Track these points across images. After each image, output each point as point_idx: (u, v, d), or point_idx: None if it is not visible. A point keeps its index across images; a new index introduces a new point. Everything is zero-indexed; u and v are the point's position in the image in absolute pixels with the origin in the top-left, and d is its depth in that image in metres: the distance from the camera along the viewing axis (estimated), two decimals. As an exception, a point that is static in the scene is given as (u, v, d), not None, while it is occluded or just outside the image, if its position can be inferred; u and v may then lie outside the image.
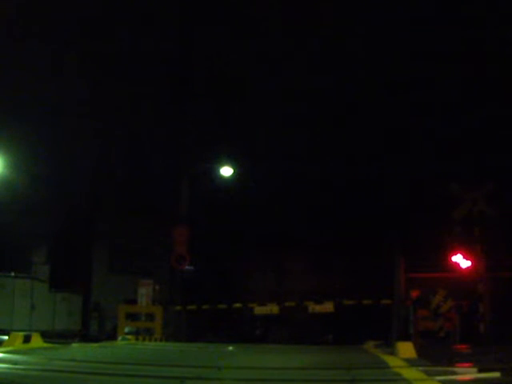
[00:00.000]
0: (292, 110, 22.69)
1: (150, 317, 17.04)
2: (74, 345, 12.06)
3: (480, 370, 6.80)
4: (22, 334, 9.95)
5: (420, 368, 6.49)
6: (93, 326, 24.99)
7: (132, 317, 17.68)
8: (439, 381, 5.55)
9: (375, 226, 25.09)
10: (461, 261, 17.85)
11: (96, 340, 16.98)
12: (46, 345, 10.06)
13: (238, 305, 17.75)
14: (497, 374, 6.34)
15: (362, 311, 18.41)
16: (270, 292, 27.21)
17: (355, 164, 24.90)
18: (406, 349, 8.30)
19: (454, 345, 15.89)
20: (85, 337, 21.35)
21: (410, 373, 6.12)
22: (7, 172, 21.00)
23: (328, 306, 16.49)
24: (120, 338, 14.81)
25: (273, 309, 16.98)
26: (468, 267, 17.72)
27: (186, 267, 20.41)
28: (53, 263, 25.87)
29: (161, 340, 15.73)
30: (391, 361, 7.61)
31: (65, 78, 19.49)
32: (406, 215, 24.16)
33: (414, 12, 18.29)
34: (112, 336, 17.65)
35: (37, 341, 9.86)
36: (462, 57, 19.05)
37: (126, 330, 16.83)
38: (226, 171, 21.92)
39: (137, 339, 14.87)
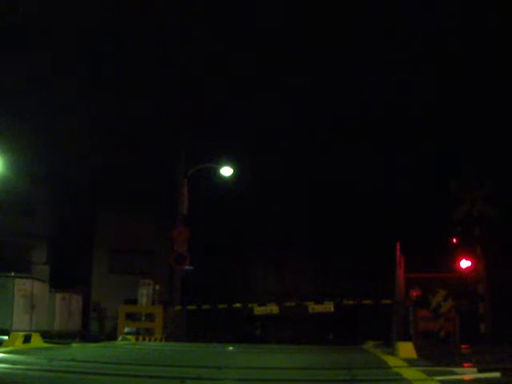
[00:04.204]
0: (294, 109, 22.68)
1: (150, 317, 17.02)
2: (74, 345, 12.03)
3: (480, 370, 6.78)
4: (22, 334, 9.94)
5: (420, 368, 6.48)
6: (93, 326, 24.98)
7: (132, 317, 17.66)
8: (439, 381, 5.54)
9: (375, 226, 25.10)
10: (461, 261, 17.84)
11: (96, 340, 16.97)
12: (46, 345, 10.05)
13: (238, 305, 17.74)
14: (497, 374, 6.33)
15: (362, 311, 18.40)
16: (270, 292, 27.20)
17: (355, 164, 24.90)
18: (406, 349, 8.29)
19: (454, 345, 15.87)
20: (85, 337, 21.34)
21: (410, 373, 6.11)
22: (7, 172, 20.99)
23: (328, 306, 16.47)
24: (120, 338, 14.79)
25: (273, 309, 16.95)
26: (468, 267, 17.70)
27: (186, 267, 20.39)
28: (53, 263, 25.87)
29: (161, 340, 15.72)
30: (391, 361, 7.60)
31: (64, 77, 19.49)
32: (406, 215, 24.16)
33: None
34: (112, 336, 17.63)
35: (37, 341, 9.85)
36: (463, 56, 19.07)
37: (126, 330, 16.82)
38: (226, 171, 21.91)
39: (137, 339, 14.86)
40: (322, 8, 18.42)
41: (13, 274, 20.65)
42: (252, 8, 18.88)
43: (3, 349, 8.52)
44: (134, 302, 18.37)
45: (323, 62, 20.43)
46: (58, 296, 23.23)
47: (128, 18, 18.84)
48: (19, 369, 6.19)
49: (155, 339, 15.56)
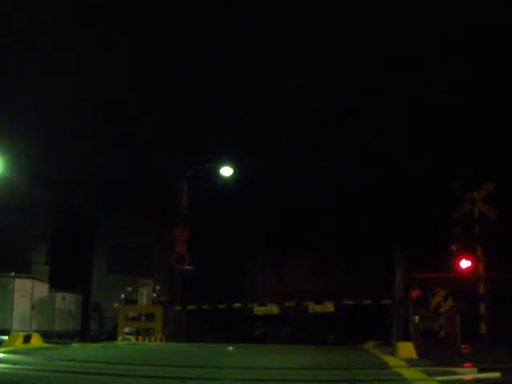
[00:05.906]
0: (294, 110, 22.67)
1: (150, 317, 17.04)
2: (74, 345, 12.06)
3: (480, 370, 6.79)
4: (22, 334, 9.96)
5: (420, 368, 6.49)
6: (93, 326, 24.98)
7: (132, 317, 17.69)
8: (439, 381, 5.55)
9: (375, 226, 25.09)
10: (461, 261, 17.86)
11: (96, 340, 16.99)
12: (46, 345, 10.06)
13: (237, 305, 17.75)
14: (497, 374, 6.33)
15: (362, 311, 18.41)
16: (270, 292, 27.20)
17: (355, 165, 24.90)
18: (406, 349, 8.30)
19: (454, 345, 15.87)
20: (85, 337, 21.36)
21: (410, 373, 6.12)
22: (7, 172, 21.00)
23: (328, 306, 16.48)
24: (120, 338, 14.81)
25: (273, 309, 16.96)
26: (468, 267, 17.70)
27: (186, 267, 20.40)
28: (53, 263, 25.88)
29: (161, 340, 15.74)
30: (391, 361, 7.61)
31: (63, 78, 19.49)
32: (407, 215, 24.16)
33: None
34: (112, 336, 17.65)
35: (37, 341, 9.86)
36: (463, 56, 19.08)
37: (126, 330, 16.84)
38: (226, 171, 21.92)
39: (137, 339, 14.88)
40: (322, 10, 18.43)
41: (13, 274, 20.66)
42: (253, 10, 18.88)
43: (3, 349, 8.53)
44: (133, 302, 18.41)
45: (323, 63, 20.43)
46: (58, 296, 23.22)
47: (128, 19, 18.84)
48: (19, 369, 6.20)
49: (155, 339, 15.57)
